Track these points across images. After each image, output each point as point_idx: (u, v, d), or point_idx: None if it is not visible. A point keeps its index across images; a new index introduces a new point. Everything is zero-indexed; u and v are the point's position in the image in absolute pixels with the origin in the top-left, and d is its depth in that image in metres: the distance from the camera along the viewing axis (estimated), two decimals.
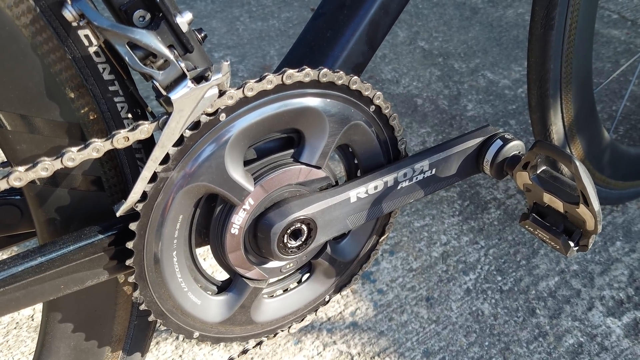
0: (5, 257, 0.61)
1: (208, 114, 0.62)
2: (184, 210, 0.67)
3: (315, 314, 0.88)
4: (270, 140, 0.72)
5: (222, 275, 0.79)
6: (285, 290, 0.84)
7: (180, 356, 1.18)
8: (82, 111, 0.62)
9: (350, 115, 0.72)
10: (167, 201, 0.64)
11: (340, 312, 1.27)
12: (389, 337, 1.23)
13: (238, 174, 0.67)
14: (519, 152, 0.82)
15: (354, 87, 0.71)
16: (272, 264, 0.77)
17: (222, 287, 0.78)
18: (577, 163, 0.69)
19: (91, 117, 0.62)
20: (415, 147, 1.68)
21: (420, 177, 0.80)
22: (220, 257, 0.74)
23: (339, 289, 0.88)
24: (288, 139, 0.73)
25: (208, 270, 1.23)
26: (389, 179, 0.77)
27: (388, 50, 2.07)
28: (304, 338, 1.22)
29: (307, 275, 0.85)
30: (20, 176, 0.54)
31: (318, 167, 0.74)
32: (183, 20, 0.59)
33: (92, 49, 0.59)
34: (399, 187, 0.79)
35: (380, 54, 2.04)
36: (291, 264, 0.79)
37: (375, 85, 1.85)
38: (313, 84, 0.68)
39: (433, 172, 0.81)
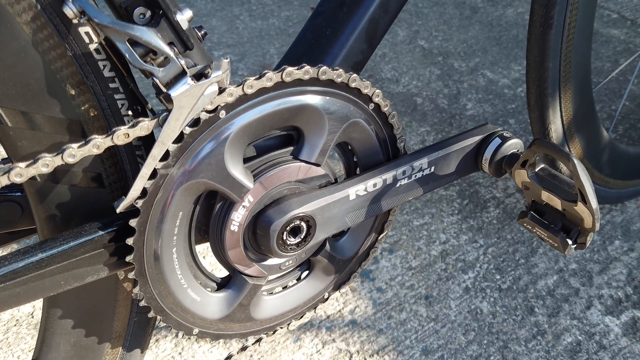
0: (5, 253, 0.61)
1: (208, 111, 0.63)
2: (184, 207, 0.67)
3: (315, 311, 0.89)
4: (270, 137, 0.73)
5: (221, 272, 0.80)
6: (285, 288, 0.84)
7: (180, 353, 1.18)
8: (83, 108, 0.62)
9: (349, 113, 0.73)
10: (167, 198, 0.64)
11: (340, 310, 1.27)
12: (388, 335, 1.23)
13: (238, 171, 0.68)
14: (518, 150, 0.82)
15: (353, 84, 0.71)
16: (272, 261, 0.78)
17: (222, 284, 0.78)
18: (575, 161, 0.70)
19: (92, 114, 0.63)
20: (415, 146, 1.68)
21: (419, 174, 0.80)
22: (220, 254, 0.75)
23: (338, 287, 0.89)
24: (287, 136, 0.73)
25: (208, 268, 1.24)
26: (388, 176, 0.78)
27: (388, 49, 2.08)
28: (303, 336, 1.22)
29: (306, 272, 0.86)
30: (21, 172, 0.55)
31: (317, 165, 0.74)
32: (183, 17, 0.59)
33: (92, 46, 0.60)
34: (397, 185, 0.79)
35: (380, 53, 2.05)
36: (290, 261, 0.80)
37: (375, 84, 1.85)
38: (312, 82, 0.68)
39: (432, 170, 0.81)
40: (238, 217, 0.71)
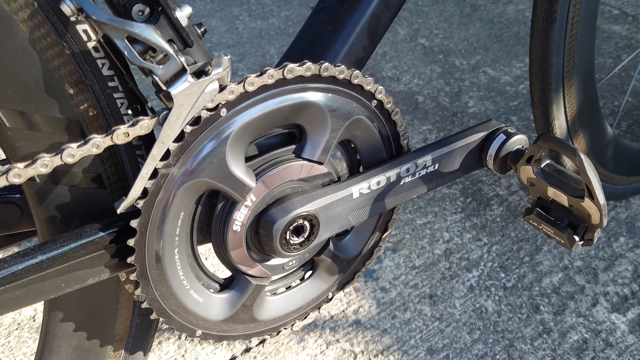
0: (5, 256, 0.60)
1: (209, 109, 0.62)
2: (186, 207, 0.66)
3: (319, 312, 0.88)
4: (272, 136, 0.72)
5: (224, 274, 0.79)
6: (288, 288, 0.83)
7: (183, 356, 1.17)
8: (82, 107, 0.61)
9: (352, 110, 0.72)
10: (168, 198, 0.63)
11: (343, 311, 1.26)
12: (392, 335, 1.22)
13: (239, 170, 0.67)
14: (523, 147, 0.81)
15: (355, 81, 0.70)
16: (275, 261, 0.77)
17: (225, 285, 0.77)
18: (582, 156, 0.69)
19: (91, 114, 0.62)
20: (417, 145, 1.67)
21: (423, 172, 0.79)
22: (222, 254, 0.74)
23: (342, 286, 0.88)
24: (289, 134, 0.72)
25: (210, 270, 1.23)
26: (392, 174, 0.77)
27: (388, 48, 2.07)
28: (307, 337, 1.21)
29: (309, 272, 0.85)
30: (20, 172, 0.54)
31: (320, 163, 0.73)
32: (182, 14, 0.58)
33: (90, 44, 0.59)
34: (401, 183, 0.78)
35: (381, 52, 2.04)
36: (294, 261, 0.79)
37: (376, 82, 1.84)
38: (314, 79, 0.67)
39: (436, 167, 0.80)
40: (240, 217, 0.70)
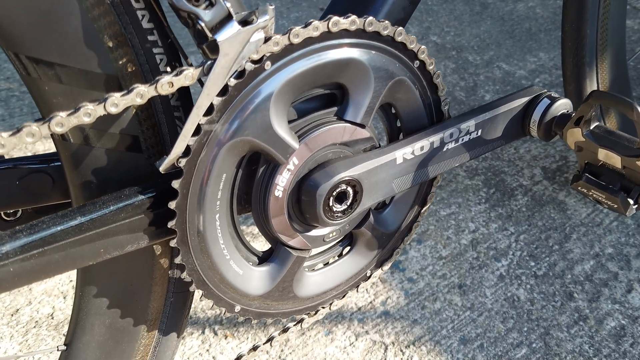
0: (42, 218, 0.57)
1: (253, 62, 0.59)
2: (228, 168, 0.63)
3: (357, 290, 0.84)
4: (312, 97, 0.69)
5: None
6: (326, 265, 0.80)
7: (208, 350, 1.13)
8: (120, 62, 0.58)
9: (395, 71, 0.69)
10: (211, 156, 0.60)
11: (371, 302, 1.23)
12: (423, 326, 1.18)
13: (283, 129, 0.64)
14: (568, 111, 0.78)
15: (399, 38, 0.67)
16: (316, 232, 0.73)
17: (263, 259, 0.73)
18: None
19: (129, 70, 0.59)
20: None
21: (466, 138, 0.76)
22: (262, 223, 0.70)
23: (380, 264, 0.84)
24: (330, 96, 0.70)
25: None
26: (435, 139, 0.74)
27: None
28: (335, 329, 1.17)
29: (348, 248, 0.81)
30: (62, 121, 0.51)
31: (362, 126, 0.70)
32: None
33: None
34: (444, 149, 0.75)
35: None
36: (334, 233, 0.75)
37: None
38: (358, 34, 0.65)
39: (479, 133, 0.77)
40: (282, 182, 0.67)
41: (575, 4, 0.94)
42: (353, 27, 0.63)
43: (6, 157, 0.72)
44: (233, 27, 0.55)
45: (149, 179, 0.64)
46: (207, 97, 0.57)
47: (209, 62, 0.56)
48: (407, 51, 0.69)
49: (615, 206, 0.74)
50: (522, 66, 1.94)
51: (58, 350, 0.72)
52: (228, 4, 0.55)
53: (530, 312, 1.20)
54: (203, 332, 1.16)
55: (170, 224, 0.61)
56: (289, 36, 0.60)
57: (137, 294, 0.71)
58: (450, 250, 1.34)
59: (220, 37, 0.55)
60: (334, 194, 0.69)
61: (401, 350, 1.13)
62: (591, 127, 0.74)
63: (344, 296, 0.83)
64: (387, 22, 0.66)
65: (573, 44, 0.98)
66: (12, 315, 1.19)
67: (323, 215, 0.69)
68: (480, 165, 1.56)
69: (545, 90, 0.80)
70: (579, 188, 0.77)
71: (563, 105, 0.78)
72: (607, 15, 0.97)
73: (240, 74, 0.59)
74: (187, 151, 0.59)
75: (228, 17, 0.55)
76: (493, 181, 1.51)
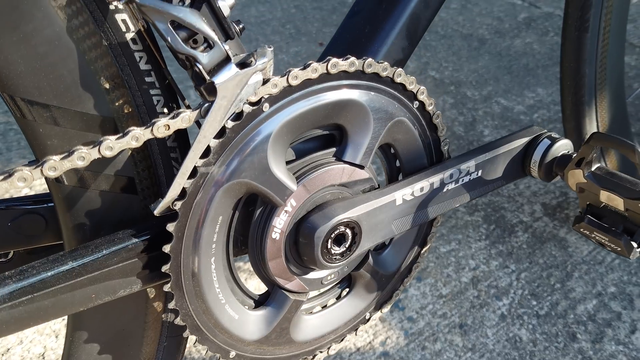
0: (33, 262, 0.56)
1: (251, 104, 0.58)
2: (224, 210, 0.62)
3: (355, 334, 0.82)
4: (310, 139, 0.68)
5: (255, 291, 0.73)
6: (324, 307, 0.78)
7: None
8: (117, 104, 0.58)
9: (394, 111, 0.69)
10: (208, 199, 0.59)
11: (370, 342, 1.20)
12: None
13: (281, 171, 0.63)
14: (568, 151, 0.78)
15: (398, 79, 0.67)
16: (313, 275, 0.72)
17: (260, 302, 0.72)
18: None
19: (126, 111, 0.58)
20: None
21: (466, 178, 0.75)
22: (259, 266, 0.69)
23: (379, 306, 0.82)
24: (329, 137, 0.69)
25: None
26: (435, 180, 0.73)
27: None
28: None
29: (346, 290, 0.79)
30: (55, 165, 0.50)
31: (361, 167, 0.69)
32: (225, 4, 0.56)
33: (129, 35, 0.56)
34: (444, 190, 0.74)
35: None
36: (332, 275, 0.74)
37: None
38: (357, 75, 0.64)
39: (479, 173, 0.76)
40: (280, 224, 0.66)
41: (573, 43, 0.95)
42: (352, 69, 0.63)
43: None
44: (231, 70, 0.55)
45: (144, 220, 0.63)
46: (204, 139, 0.56)
47: (206, 105, 0.55)
48: (406, 92, 0.69)
49: (619, 249, 0.72)
50: (521, 101, 1.95)
51: None
52: (226, 47, 0.55)
53: (533, 354, 1.17)
54: None
55: (165, 268, 0.60)
56: (287, 78, 0.59)
57: (130, 338, 0.69)
58: (451, 288, 1.32)
59: (218, 79, 0.54)
60: (332, 236, 0.67)
61: None
62: (593, 169, 0.73)
63: (342, 340, 0.80)
64: (386, 63, 0.65)
65: (572, 82, 0.98)
66: (2, 355, 1.16)
67: (321, 258, 0.67)
68: (480, 201, 1.55)
69: (546, 130, 0.79)
70: (582, 230, 0.76)
71: (564, 146, 0.77)
72: (606, 54, 0.98)
73: (237, 116, 0.58)
74: (182, 194, 0.58)
75: (226, 60, 0.55)
76: (493, 217, 1.50)
